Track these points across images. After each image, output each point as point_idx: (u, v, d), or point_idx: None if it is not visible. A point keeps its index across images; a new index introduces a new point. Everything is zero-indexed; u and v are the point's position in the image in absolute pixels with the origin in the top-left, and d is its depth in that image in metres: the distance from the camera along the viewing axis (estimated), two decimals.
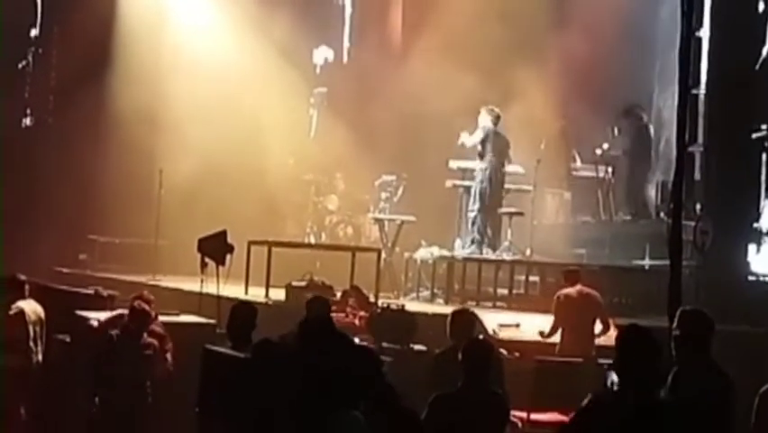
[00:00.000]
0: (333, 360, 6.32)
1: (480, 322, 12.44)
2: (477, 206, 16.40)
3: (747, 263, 14.11)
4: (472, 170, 16.65)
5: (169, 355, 10.87)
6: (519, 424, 10.11)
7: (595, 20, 17.40)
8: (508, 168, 16.68)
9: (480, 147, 16.36)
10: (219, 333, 10.56)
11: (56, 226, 18.40)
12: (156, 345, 10.72)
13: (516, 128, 16.65)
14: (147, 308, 10.81)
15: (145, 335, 10.70)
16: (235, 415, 7.61)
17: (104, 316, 11.56)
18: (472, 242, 16.32)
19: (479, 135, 16.31)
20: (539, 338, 12.08)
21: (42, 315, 12.17)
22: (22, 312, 11.98)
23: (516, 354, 11.51)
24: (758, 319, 13.11)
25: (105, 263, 18.23)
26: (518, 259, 15.84)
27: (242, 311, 9.50)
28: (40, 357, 12.06)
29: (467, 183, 16.75)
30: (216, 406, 8.22)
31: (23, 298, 12.15)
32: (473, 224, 16.44)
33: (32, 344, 11.96)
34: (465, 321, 9.83)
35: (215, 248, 12.65)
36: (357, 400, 6.04)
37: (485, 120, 16.28)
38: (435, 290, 15.72)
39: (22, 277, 12.36)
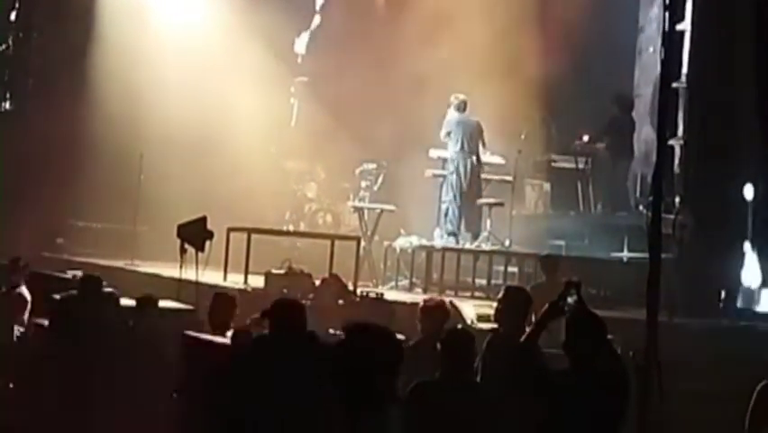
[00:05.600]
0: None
1: (459, 312, 12.45)
2: (448, 197, 16.46)
3: (726, 257, 14.09)
4: None
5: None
6: None
7: (577, 10, 17.41)
8: (490, 158, 16.75)
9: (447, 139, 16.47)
10: (197, 319, 10.57)
11: (34, 211, 18.30)
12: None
13: (497, 118, 16.68)
14: None
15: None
16: (214, 400, 7.61)
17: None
18: (448, 234, 16.37)
19: (444, 130, 16.41)
20: None
21: None
22: (25, 296, 12.32)
23: None
24: (738, 313, 13.17)
25: (83, 248, 18.15)
26: (497, 249, 15.88)
27: (223, 301, 9.66)
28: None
29: (446, 173, 16.76)
30: (195, 391, 8.23)
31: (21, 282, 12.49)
32: (446, 215, 16.50)
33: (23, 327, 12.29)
34: (436, 311, 9.62)
35: (195, 234, 12.65)
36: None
37: (450, 113, 16.37)
38: (414, 280, 15.73)
39: (24, 262, 12.68)
